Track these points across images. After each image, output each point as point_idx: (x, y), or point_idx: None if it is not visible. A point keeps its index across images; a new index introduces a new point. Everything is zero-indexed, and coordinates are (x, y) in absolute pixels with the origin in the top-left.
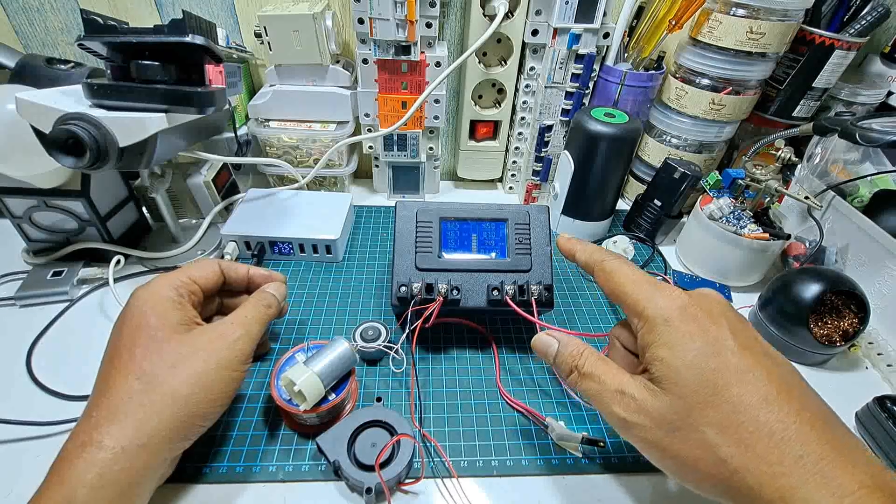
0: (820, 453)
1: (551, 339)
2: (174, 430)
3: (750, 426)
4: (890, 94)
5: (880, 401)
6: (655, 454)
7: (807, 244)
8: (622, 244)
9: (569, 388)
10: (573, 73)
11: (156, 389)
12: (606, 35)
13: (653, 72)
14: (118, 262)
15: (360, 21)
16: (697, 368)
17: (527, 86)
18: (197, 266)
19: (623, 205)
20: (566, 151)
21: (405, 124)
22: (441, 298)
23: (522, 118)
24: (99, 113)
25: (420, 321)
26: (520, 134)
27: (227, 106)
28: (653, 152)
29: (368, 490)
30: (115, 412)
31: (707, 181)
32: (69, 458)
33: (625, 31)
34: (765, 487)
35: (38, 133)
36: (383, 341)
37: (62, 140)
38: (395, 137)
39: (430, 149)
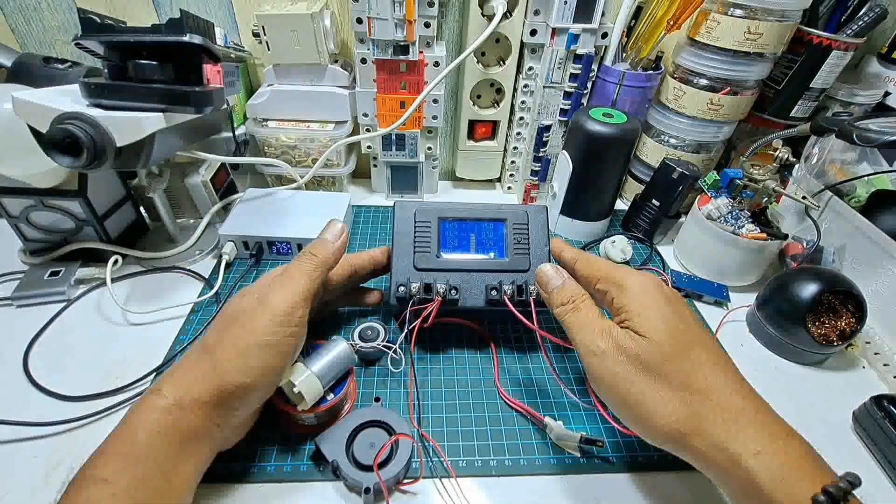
0: (756, 406)
1: (557, 276)
2: (211, 396)
3: (709, 380)
4: (887, 94)
5: (877, 400)
6: (620, 388)
7: (804, 244)
8: (620, 244)
9: (554, 314)
10: (571, 73)
11: (206, 359)
12: (605, 35)
13: (651, 72)
14: (116, 261)
15: (359, 20)
16: (670, 327)
17: (525, 86)
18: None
19: (621, 205)
20: (564, 151)
21: (403, 124)
22: (439, 298)
23: (521, 118)
24: (96, 112)
25: (419, 321)
26: (518, 134)
27: (224, 105)
28: (651, 152)
29: (367, 490)
30: (173, 372)
31: (705, 181)
32: (137, 405)
33: (623, 31)
34: (717, 428)
35: (35, 132)
36: (382, 341)
37: (59, 139)
38: (394, 137)
39: (429, 149)
